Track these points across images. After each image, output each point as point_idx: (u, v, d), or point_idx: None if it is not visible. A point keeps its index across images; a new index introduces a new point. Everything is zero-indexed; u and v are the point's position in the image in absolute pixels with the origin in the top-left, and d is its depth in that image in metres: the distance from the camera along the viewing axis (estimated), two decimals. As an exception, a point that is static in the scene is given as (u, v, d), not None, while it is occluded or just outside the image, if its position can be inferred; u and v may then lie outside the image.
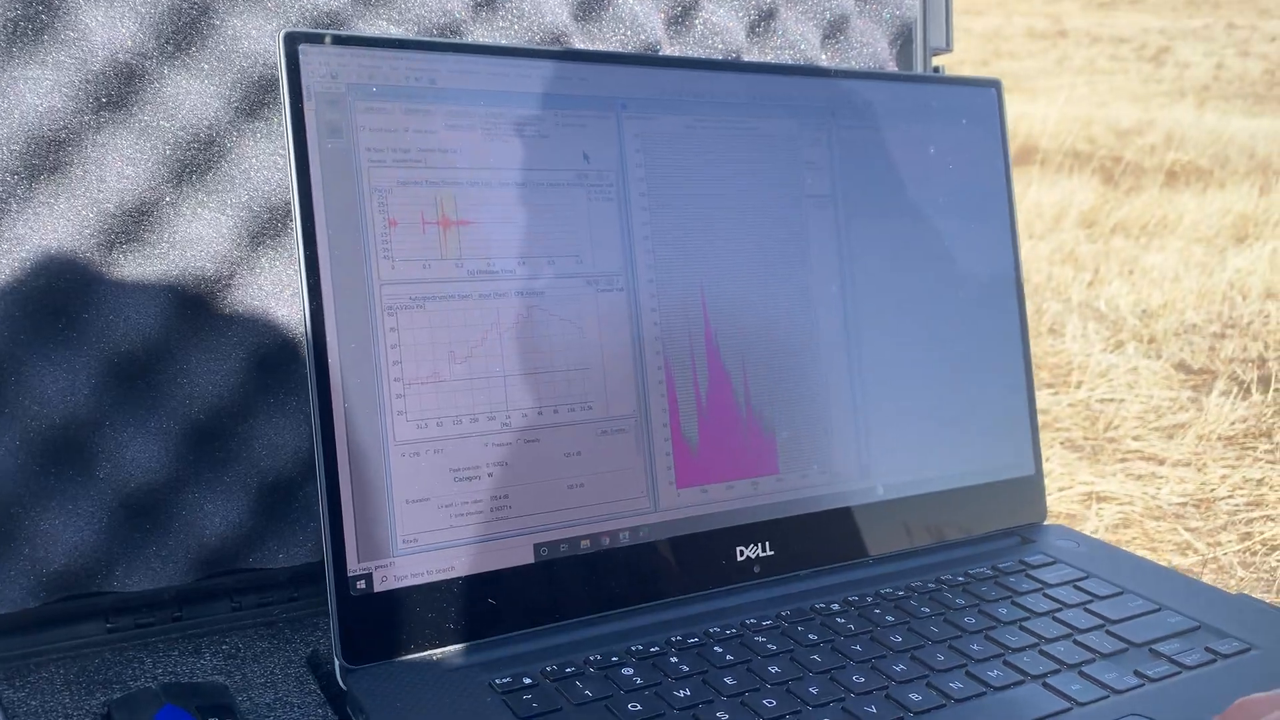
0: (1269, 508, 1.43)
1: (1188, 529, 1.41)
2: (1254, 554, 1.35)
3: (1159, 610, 0.58)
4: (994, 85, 0.71)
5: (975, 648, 0.53)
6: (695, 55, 0.71)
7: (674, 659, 0.51)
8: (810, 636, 0.53)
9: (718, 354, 0.60)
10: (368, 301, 0.51)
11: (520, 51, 0.55)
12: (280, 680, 0.51)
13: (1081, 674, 0.51)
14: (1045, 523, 0.70)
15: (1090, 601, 0.59)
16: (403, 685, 0.48)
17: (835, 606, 0.57)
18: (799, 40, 0.73)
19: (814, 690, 0.49)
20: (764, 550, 0.60)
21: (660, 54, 0.69)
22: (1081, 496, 1.50)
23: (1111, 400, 1.92)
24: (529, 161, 0.55)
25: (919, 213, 0.67)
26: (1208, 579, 1.31)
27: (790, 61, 0.73)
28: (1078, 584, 0.61)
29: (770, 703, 0.47)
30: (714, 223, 0.60)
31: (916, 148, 0.68)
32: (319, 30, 0.53)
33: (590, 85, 0.57)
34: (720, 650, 0.52)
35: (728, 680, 0.49)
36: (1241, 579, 1.30)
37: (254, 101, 0.55)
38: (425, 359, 0.52)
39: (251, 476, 0.55)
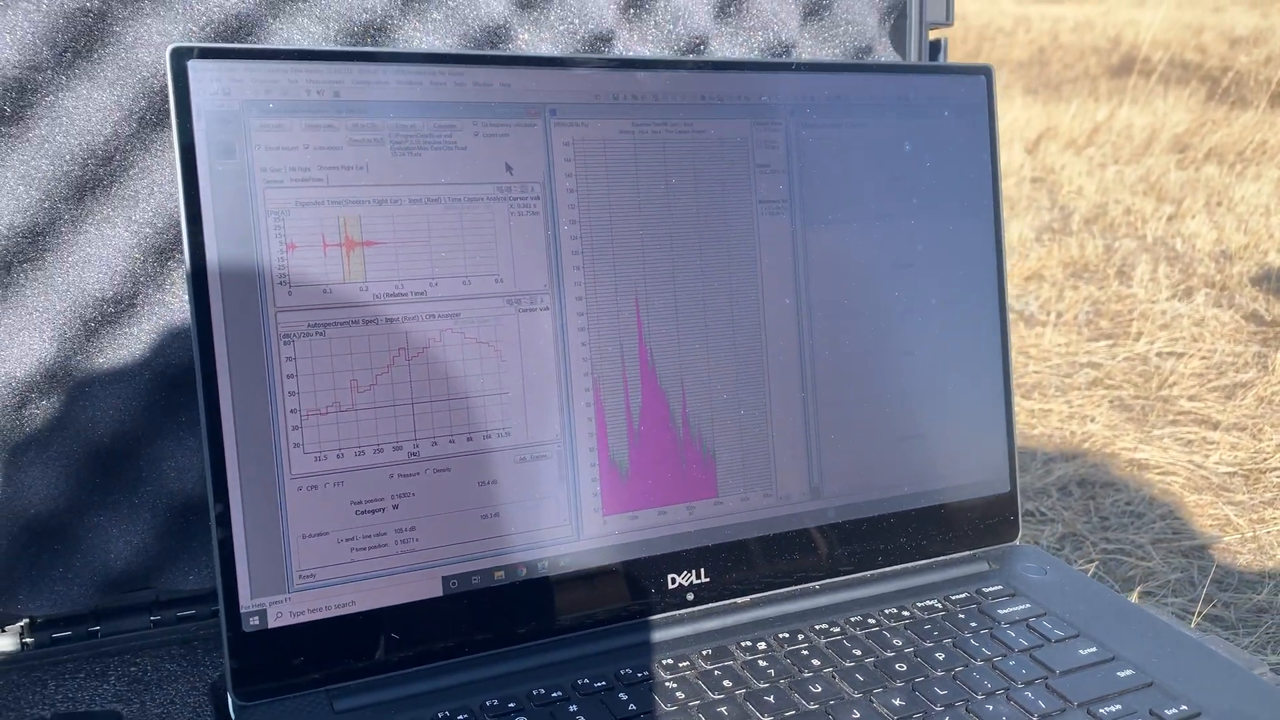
0: (1326, 480, 1.35)
1: (1231, 503, 1.35)
2: (1300, 533, 1.29)
3: (1111, 660, 0.55)
4: (983, 72, 0.65)
5: (897, 703, 0.50)
6: (649, 46, 0.66)
7: (574, 708, 0.49)
8: (724, 683, 0.51)
9: (653, 373, 0.57)
10: (261, 330, 0.49)
11: (432, 57, 0.52)
12: (178, 710, 0.50)
13: (1004, 740, 0.48)
14: (1017, 542, 0.67)
15: (1040, 646, 0.56)
16: (291, 726, 0.47)
17: (762, 645, 0.55)
18: (773, 21, 0.68)
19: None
20: (698, 577, 0.58)
21: (590, 55, 0.64)
22: (1122, 466, 1.44)
23: (1172, 354, 1.82)
24: (443, 176, 0.52)
25: (889, 217, 0.62)
26: (1244, 560, 1.24)
27: (743, 56, 0.68)
28: (1031, 623, 0.58)
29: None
30: (652, 234, 0.57)
31: (889, 145, 0.63)
32: (209, 44, 0.51)
33: (513, 91, 0.54)
34: (625, 698, 0.50)
35: (621, 736, 0.47)
36: (1280, 561, 1.23)
37: (158, 112, 0.53)
38: (325, 389, 0.50)
39: (160, 499, 0.54)
